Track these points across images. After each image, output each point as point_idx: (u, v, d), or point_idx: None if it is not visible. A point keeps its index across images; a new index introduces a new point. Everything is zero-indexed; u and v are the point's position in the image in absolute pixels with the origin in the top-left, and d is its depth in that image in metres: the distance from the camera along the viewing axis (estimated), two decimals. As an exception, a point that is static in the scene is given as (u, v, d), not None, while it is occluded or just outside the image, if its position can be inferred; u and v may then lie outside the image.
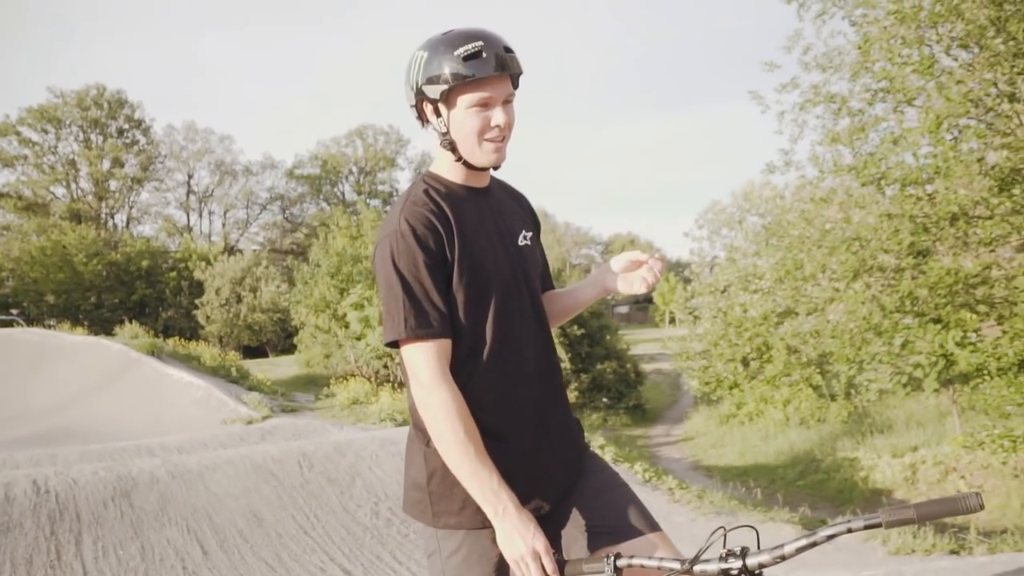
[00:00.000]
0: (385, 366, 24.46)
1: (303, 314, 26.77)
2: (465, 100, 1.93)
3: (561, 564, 1.93)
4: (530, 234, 2.20)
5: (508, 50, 1.94)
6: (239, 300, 37.56)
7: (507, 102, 1.97)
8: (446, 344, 1.94)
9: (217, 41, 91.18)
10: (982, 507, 1.53)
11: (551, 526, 2.17)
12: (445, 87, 1.91)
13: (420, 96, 1.98)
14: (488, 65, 1.89)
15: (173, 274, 40.72)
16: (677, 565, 1.75)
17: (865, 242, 10.34)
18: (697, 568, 1.72)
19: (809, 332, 13.02)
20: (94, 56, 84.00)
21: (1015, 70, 9.02)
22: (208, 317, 36.75)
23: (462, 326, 1.98)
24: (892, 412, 15.55)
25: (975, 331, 10.35)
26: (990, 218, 9.44)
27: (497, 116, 1.94)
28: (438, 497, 2.04)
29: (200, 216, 57.30)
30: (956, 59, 10.04)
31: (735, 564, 1.68)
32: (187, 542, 6.41)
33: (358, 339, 23.96)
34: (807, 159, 11.92)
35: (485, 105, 1.93)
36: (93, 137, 49.56)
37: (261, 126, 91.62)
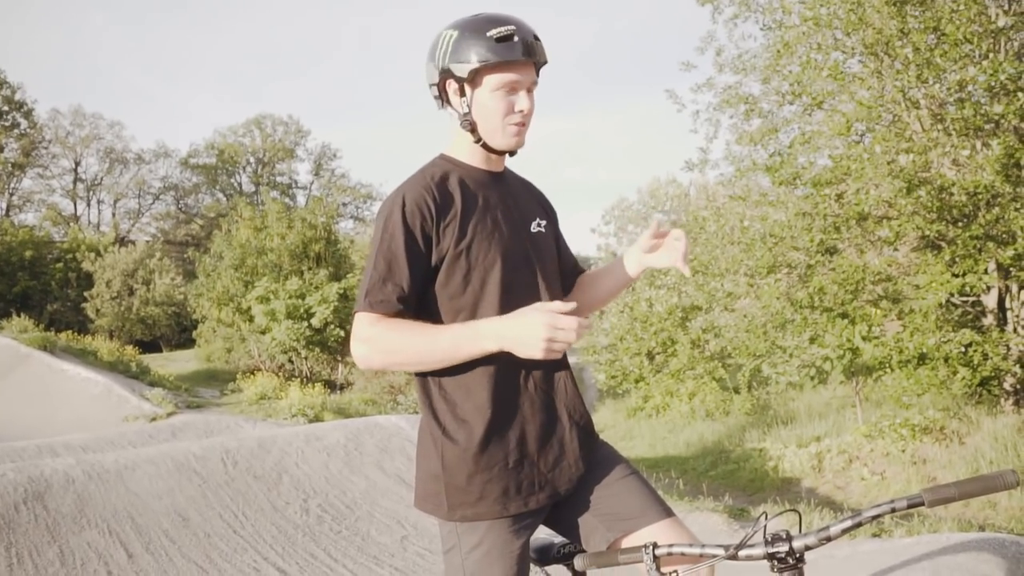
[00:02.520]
0: (291, 360, 23.95)
1: (205, 307, 25.93)
2: (492, 82, 1.95)
3: (588, 555, 1.93)
4: (544, 222, 2.21)
5: (537, 38, 1.98)
6: (131, 293, 36.08)
7: (530, 89, 2.00)
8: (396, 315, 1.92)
9: (104, 23, 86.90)
10: (1018, 483, 1.60)
11: (567, 514, 2.18)
12: (474, 67, 1.93)
13: (445, 75, 1.99)
14: (518, 49, 1.93)
15: (59, 265, 38.60)
16: (721, 552, 1.75)
17: (779, 239, 10.75)
18: (742, 553, 1.73)
19: (723, 326, 13.42)
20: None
21: (920, 79, 9.52)
22: (98, 310, 35.13)
23: (461, 306, 1.99)
24: (793, 404, 16.11)
25: (879, 326, 10.89)
26: (895, 218, 9.94)
27: (522, 101, 1.98)
28: (454, 489, 1.99)
29: (88, 205, 54.58)
30: (867, 66, 10.53)
31: (781, 548, 1.69)
32: (110, 545, 6.10)
33: (263, 333, 23.38)
34: (722, 158, 12.34)
35: (512, 89, 1.97)
36: (-32, 118, 46.69)
37: (153, 113, 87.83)
